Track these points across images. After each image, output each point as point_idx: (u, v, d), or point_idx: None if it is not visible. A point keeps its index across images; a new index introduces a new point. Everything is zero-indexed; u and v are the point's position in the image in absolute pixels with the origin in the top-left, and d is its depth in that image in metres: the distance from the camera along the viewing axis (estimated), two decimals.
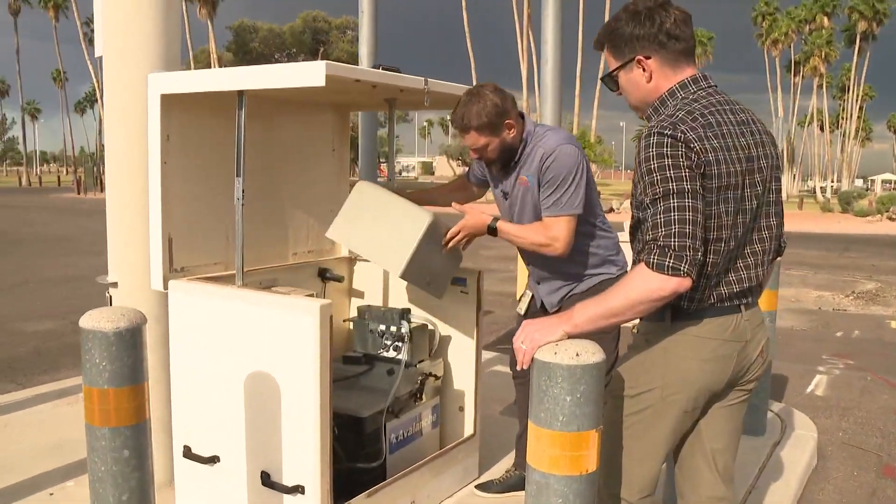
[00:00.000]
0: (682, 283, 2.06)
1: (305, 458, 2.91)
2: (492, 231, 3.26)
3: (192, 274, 3.31)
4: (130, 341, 2.29)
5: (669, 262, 2.05)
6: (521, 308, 3.68)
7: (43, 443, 4.29)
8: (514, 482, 3.73)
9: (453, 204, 3.41)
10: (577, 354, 2.04)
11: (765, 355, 2.44)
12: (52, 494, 3.67)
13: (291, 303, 2.86)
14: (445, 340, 3.87)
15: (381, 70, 3.05)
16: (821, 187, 62.76)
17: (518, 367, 2.18)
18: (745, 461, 4.33)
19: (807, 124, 72.16)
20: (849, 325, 9.44)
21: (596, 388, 2.07)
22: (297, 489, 2.95)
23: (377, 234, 3.28)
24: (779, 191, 2.41)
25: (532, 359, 2.11)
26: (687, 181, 2.10)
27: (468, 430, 3.92)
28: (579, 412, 2.05)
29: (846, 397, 6.36)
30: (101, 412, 2.29)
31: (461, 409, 3.91)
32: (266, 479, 3.03)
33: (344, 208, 3.39)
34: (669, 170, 2.10)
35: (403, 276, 3.23)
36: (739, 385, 2.42)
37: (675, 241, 2.06)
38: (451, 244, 3.32)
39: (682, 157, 2.11)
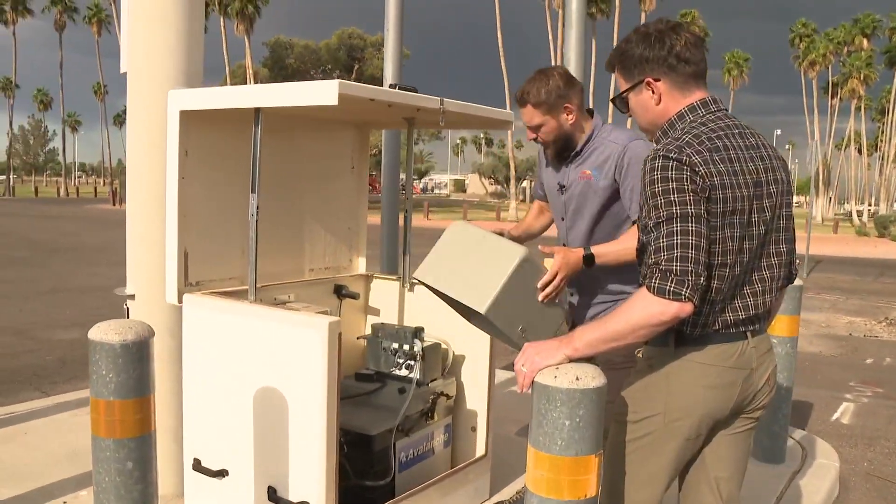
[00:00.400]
0: (683, 309, 2.05)
1: (311, 474, 2.92)
2: (588, 260, 2.99)
3: (206, 288, 3.34)
4: (137, 354, 2.32)
5: (671, 286, 2.03)
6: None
7: (59, 451, 4.34)
8: None
9: (540, 247, 3.07)
10: (577, 378, 2.03)
11: (772, 383, 2.41)
12: (65, 503, 3.71)
13: (301, 319, 2.88)
14: (459, 359, 3.87)
15: (396, 90, 3.08)
16: (857, 211, 61.94)
17: (519, 390, 2.17)
18: (763, 490, 4.27)
19: (844, 147, 71.32)
20: (880, 352, 9.29)
21: (596, 412, 2.06)
22: None
23: (466, 271, 2.87)
24: (790, 217, 2.38)
25: (532, 382, 2.10)
26: (691, 205, 2.09)
27: (480, 450, 3.90)
28: (578, 436, 2.04)
29: (873, 426, 6.25)
30: (107, 423, 2.32)
31: (473, 429, 3.90)
32: (272, 495, 3.04)
33: (434, 248, 3.01)
34: (674, 193, 2.09)
35: (489, 315, 2.68)
36: (745, 413, 2.39)
37: (677, 266, 2.05)
38: (548, 290, 2.80)
39: (686, 181, 2.10)
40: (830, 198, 66.79)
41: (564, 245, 3.30)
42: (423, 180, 57.59)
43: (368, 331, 3.99)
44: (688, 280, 2.04)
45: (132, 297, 3.67)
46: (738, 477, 2.49)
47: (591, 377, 2.05)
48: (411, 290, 3.96)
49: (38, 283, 12.49)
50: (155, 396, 2.43)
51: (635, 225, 2.99)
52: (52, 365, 7.17)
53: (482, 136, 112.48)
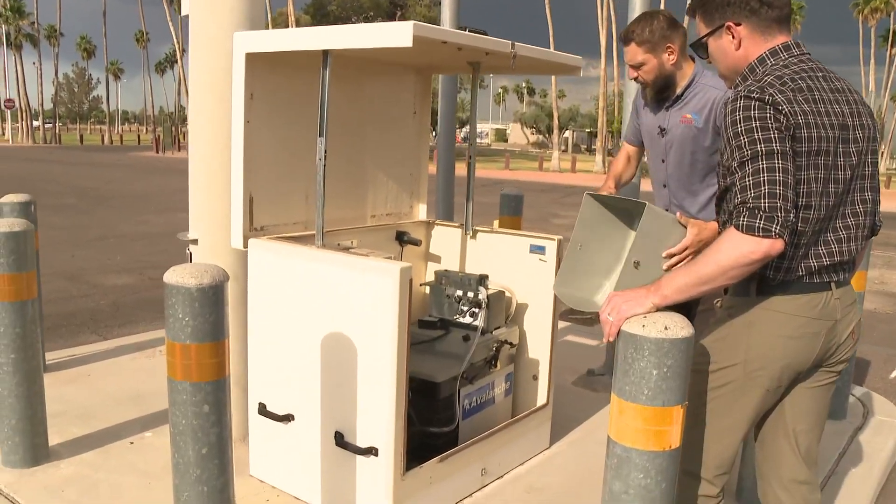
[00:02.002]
0: (773, 246, 1.99)
1: (380, 421, 2.93)
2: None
3: (271, 233, 3.34)
4: (213, 298, 2.31)
5: (760, 223, 1.97)
6: None
7: (122, 393, 4.42)
8: None
9: (678, 214, 2.83)
10: (666, 328, 1.99)
11: (856, 336, 2.35)
12: (132, 443, 3.77)
13: (372, 265, 2.86)
14: (521, 308, 3.84)
15: (467, 32, 3.00)
16: None
17: (605, 340, 2.13)
18: (825, 445, 4.20)
19: None
20: None
21: (683, 363, 2.01)
22: (371, 451, 2.97)
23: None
24: (875, 164, 2.30)
25: (618, 331, 2.06)
26: (776, 142, 2.03)
27: (541, 399, 3.89)
28: (665, 387, 2.01)
29: None
30: (183, 367, 2.33)
31: (535, 377, 3.89)
32: (340, 440, 3.06)
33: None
34: (758, 132, 2.03)
35: (645, 219, 2.50)
36: (827, 366, 2.33)
37: (765, 203, 1.99)
38: (673, 260, 2.66)
39: (770, 119, 2.04)
40: (883, 152, 65.22)
41: (664, 186, 3.42)
42: (463, 129, 57.19)
43: (430, 278, 3.97)
44: (777, 216, 1.98)
45: (195, 241, 3.68)
46: (818, 431, 2.44)
47: (680, 327, 2.00)
48: (473, 237, 3.93)
49: (88, 229, 12.67)
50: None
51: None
52: (107, 309, 7.28)
53: (524, 84, 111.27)
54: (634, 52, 3.31)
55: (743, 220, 2.00)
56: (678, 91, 3.34)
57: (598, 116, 49.67)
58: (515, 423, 3.66)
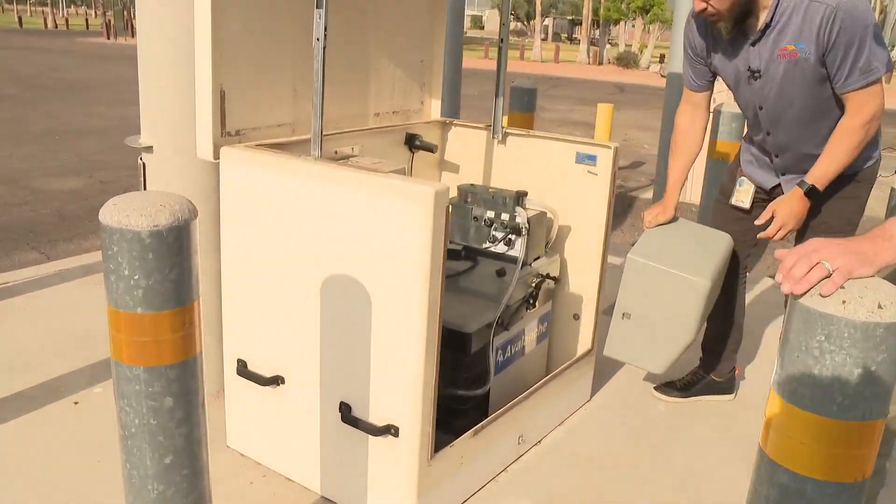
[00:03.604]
0: None
1: (402, 391, 2.29)
2: (811, 193, 2.77)
3: (250, 139, 2.61)
4: (175, 245, 1.61)
5: None
6: (746, 200, 3.08)
7: (66, 334, 3.72)
8: (701, 386, 3.45)
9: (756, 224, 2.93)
10: (880, 306, 1.33)
11: None
12: (76, 403, 3.12)
13: (395, 186, 2.16)
14: (563, 232, 3.18)
15: None
16: None
17: (792, 292, 1.43)
18: None
19: None
20: None
21: None
22: (389, 430, 2.34)
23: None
24: None
25: (805, 291, 1.39)
26: None
27: (584, 344, 3.28)
28: (868, 393, 1.36)
29: None
30: (133, 345, 1.64)
31: (576, 317, 3.26)
32: (347, 414, 2.42)
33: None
34: None
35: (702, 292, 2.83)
36: None
37: None
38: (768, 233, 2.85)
39: None
40: None
41: (769, 134, 2.92)
42: None
43: (451, 193, 3.28)
44: None
45: (149, 149, 2.94)
46: None
47: None
48: (503, 142, 3.22)
49: (30, 123, 11.67)
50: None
51: (841, 122, 2.70)
52: (49, 219, 6.50)
53: None
54: None
55: None
56: (764, 18, 2.68)
57: (581, 3, 48.07)
58: (555, 377, 3.05)
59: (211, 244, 2.86)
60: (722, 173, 3.75)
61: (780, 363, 1.44)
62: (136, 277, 1.60)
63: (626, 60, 36.77)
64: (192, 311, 1.69)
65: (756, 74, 2.78)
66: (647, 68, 35.76)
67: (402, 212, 2.14)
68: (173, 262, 1.62)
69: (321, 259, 2.36)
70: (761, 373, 3.69)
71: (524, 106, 5.53)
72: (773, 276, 3.30)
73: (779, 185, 3.01)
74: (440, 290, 2.20)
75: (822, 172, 2.73)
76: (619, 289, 2.90)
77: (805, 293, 1.39)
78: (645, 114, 16.55)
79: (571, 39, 67.94)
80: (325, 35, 2.27)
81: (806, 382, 1.39)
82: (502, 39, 3.16)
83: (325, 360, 2.45)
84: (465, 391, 2.75)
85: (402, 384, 2.29)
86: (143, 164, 2.97)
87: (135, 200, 1.62)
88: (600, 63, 40.04)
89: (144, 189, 2.96)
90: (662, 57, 32.87)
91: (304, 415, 2.55)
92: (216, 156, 2.50)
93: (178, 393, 1.70)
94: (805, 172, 2.81)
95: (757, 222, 2.87)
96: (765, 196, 3.05)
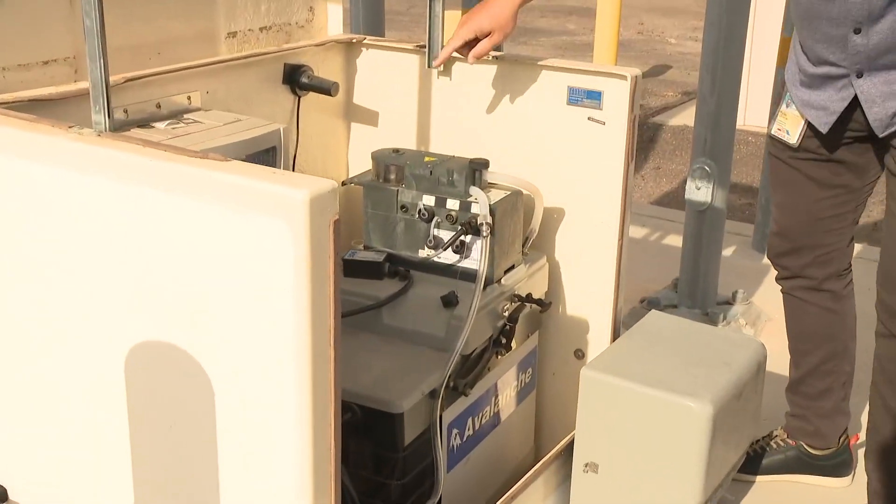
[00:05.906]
0: None
1: None
2: None
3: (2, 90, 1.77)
4: None
5: None
6: (795, 138, 2.45)
7: None
8: (790, 460, 2.62)
9: None
10: None
11: None
12: None
13: (229, 186, 1.31)
14: (552, 221, 2.24)
15: None
16: None
17: None
18: None
19: None
20: None
21: None
22: None
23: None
24: None
25: None
26: None
27: None
28: None
29: None
30: None
31: (579, 354, 2.31)
32: None
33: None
34: None
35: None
36: None
37: None
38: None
39: None
40: None
41: (857, 32, 2.31)
42: None
43: (362, 166, 2.23)
44: None
45: None
46: None
47: None
48: (447, 73, 2.27)
49: None
50: None
51: None
52: None
53: None
54: None
55: None
56: None
57: None
58: (543, 469, 2.09)
59: None
60: None
61: None
62: None
63: None
64: None
65: None
66: None
67: (250, 232, 1.27)
68: None
69: (112, 308, 1.49)
70: None
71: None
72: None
73: (854, 98, 2.31)
74: (331, 341, 1.32)
75: None
76: (577, 419, 2.04)
77: None
78: None
79: None
80: None
81: None
82: None
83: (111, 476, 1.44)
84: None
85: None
86: None
87: None
88: None
89: None
90: None
91: None
92: None
93: None
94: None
95: None
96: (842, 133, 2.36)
